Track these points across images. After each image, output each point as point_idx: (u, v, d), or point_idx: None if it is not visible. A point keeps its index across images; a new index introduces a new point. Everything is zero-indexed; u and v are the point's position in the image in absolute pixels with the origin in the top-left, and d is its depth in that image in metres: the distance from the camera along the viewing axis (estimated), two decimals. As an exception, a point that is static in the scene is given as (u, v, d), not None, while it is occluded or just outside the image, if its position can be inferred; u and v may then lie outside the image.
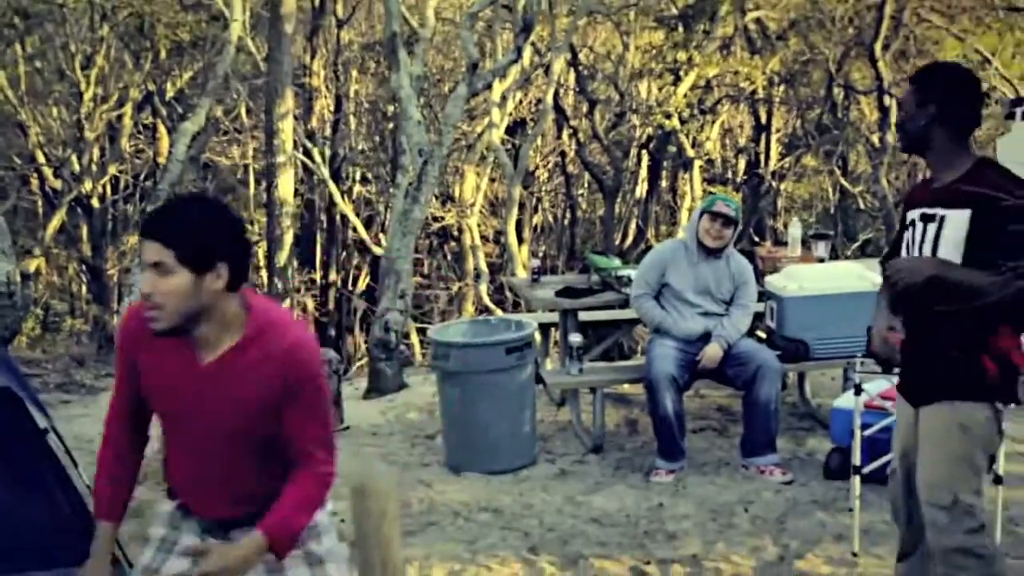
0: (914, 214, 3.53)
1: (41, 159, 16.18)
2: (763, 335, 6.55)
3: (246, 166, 18.80)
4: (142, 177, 17.65)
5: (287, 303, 14.95)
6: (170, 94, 17.10)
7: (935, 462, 3.44)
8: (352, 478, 2.05)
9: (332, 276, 17.56)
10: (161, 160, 16.93)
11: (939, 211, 3.40)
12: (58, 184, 16.18)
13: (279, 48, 15.06)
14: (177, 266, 2.50)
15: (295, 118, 15.86)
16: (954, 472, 3.40)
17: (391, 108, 17.24)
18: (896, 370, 3.77)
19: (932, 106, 3.40)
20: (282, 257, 14.96)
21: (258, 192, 18.47)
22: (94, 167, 16.32)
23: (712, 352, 5.95)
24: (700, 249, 6.06)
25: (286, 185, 15.19)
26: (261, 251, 17.73)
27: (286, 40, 15.13)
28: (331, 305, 17.47)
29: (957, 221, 3.34)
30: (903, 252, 3.57)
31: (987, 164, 3.45)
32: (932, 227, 3.41)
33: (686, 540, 5.06)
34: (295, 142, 15.51)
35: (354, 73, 18.74)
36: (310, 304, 16.32)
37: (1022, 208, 3.26)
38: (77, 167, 16.10)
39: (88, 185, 16.12)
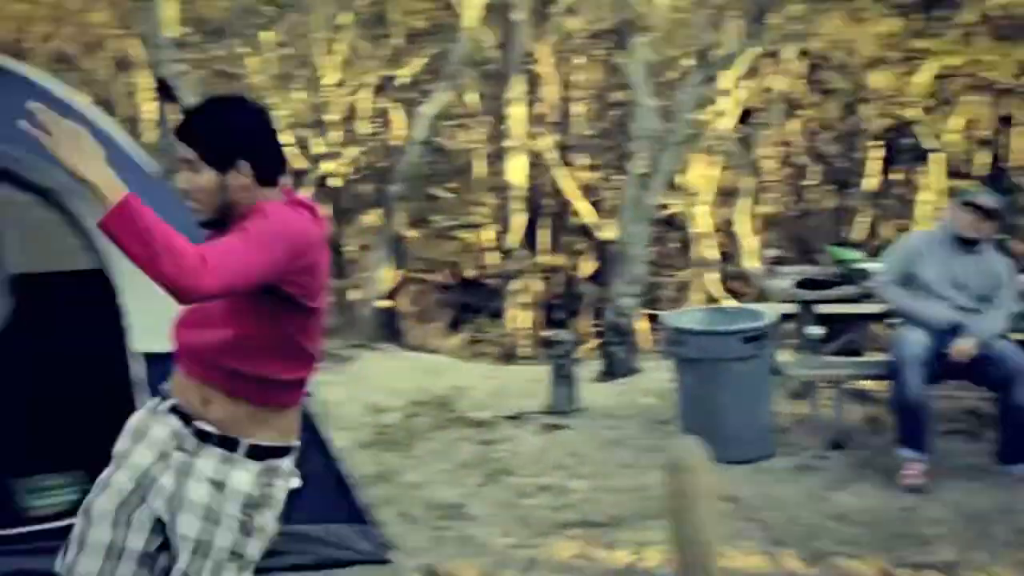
0: None
1: (289, 139, 16.86)
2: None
3: (474, 150, 19.12)
4: (379, 159, 18.14)
5: (517, 284, 15.20)
6: (404, 79, 17.51)
7: None
8: (666, 454, 2.05)
9: (559, 260, 17.73)
10: (396, 143, 17.42)
11: None
12: (303, 164, 16.87)
13: (510, 35, 15.29)
14: (202, 165, 2.73)
15: (525, 104, 16.07)
16: None
17: (617, 95, 17.21)
18: None
19: None
20: (512, 239, 15.19)
21: (487, 175, 18.77)
22: (334, 149, 16.92)
23: (964, 345, 5.65)
24: (956, 242, 5.81)
25: (516, 169, 15.41)
26: (490, 233, 18.05)
27: (517, 27, 15.34)
28: (558, 289, 17.63)
29: None
30: None
31: None
32: None
33: (939, 546, 4.87)
34: (525, 127, 15.73)
35: (580, 60, 18.81)
36: (536, 286, 16.51)
37: None
38: (319, 148, 16.72)
39: (330, 165, 16.74)
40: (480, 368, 9.07)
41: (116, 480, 2.95)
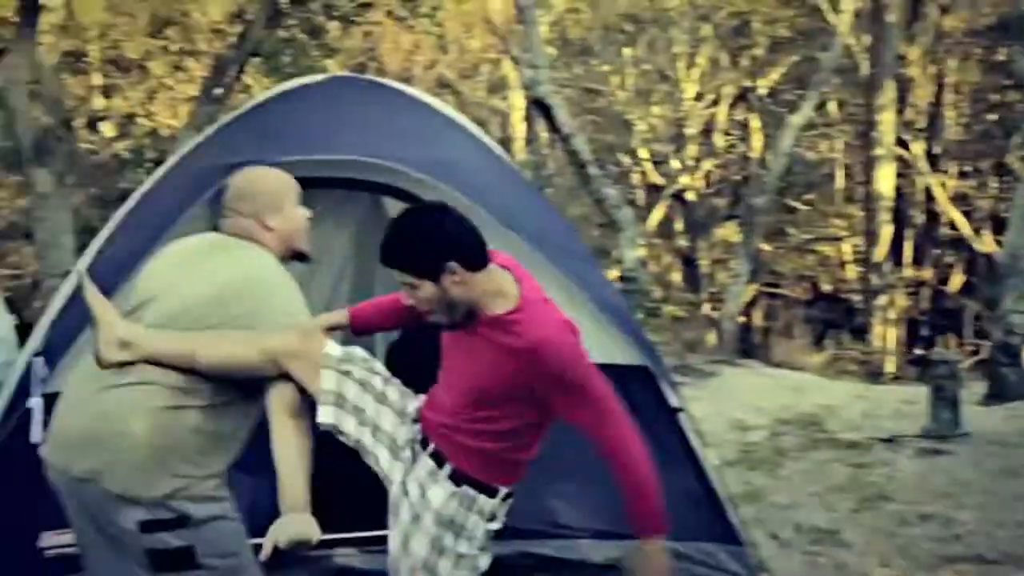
0: None
1: (644, 154, 17.04)
2: None
3: (834, 160, 18.56)
4: (733, 172, 18.00)
5: (883, 299, 14.57)
6: (764, 90, 17.26)
7: None
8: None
9: (925, 273, 16.83)
10: (752, 155, 17.20)
11: None
12: (658, 178, 16.98)
13: (882, 38, 14.70)
14: (417, 280, 2.86)
15: (895, 111, 15.39)
16: None
17: (996, 96, 16.17)
18: None
19: None
20: (879, 253, 14.58)
21: (849, 186, 18.14)
22: (691, 162, 16.91)
23: None
24: None
25: (885, 178, 14.80)
26: (851, 246, 17.39)
27: (889, 30, 14.73)
28: (925, 303, 16.75)
29: None
30: None
31: None
32: None
33: None
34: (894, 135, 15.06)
35: (954, 62, 17.79)
36: (902, 301, 15.76)
37: None
38: (676, 163, 16.77)
39: (685, 179, 16.75)
40: (847, 387, 8.72)
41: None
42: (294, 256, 3.50)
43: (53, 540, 4.36)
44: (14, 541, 4.31)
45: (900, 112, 16.32)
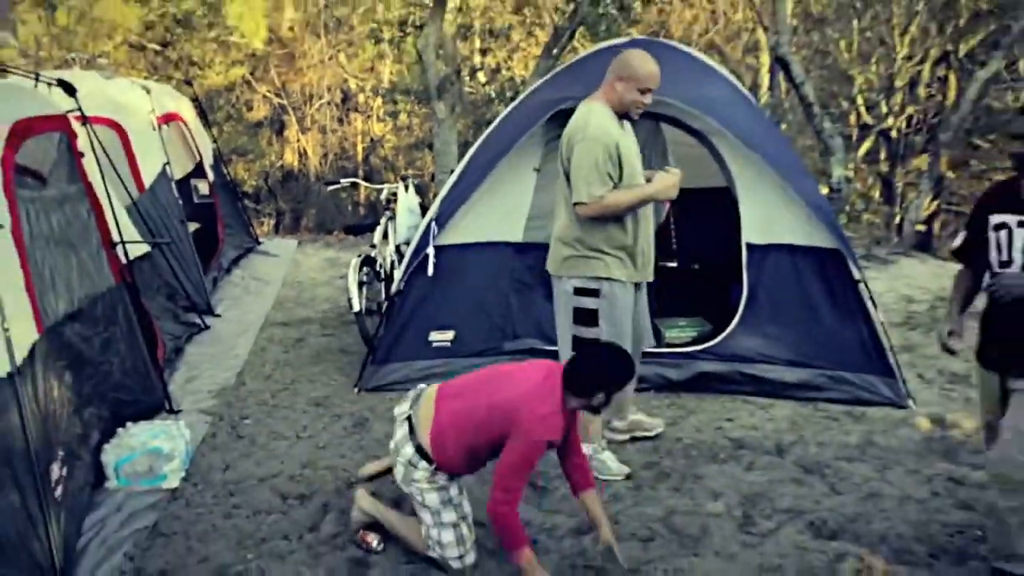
0: (1008, 219, 2.82)
1: (860, 101, 15.87)
2: None
3: (1018, 109, 16.50)
4: (930, 115, 16.42)
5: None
6: (963, 52, 15.51)
7: None
8: None
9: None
10: (948, 103, 15.61)
11: None
12: (869, 119, 15.77)
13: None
14: None
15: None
16: None
17: None
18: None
19: None
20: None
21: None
22: (896, 108, 15.58)
23: None
24: None
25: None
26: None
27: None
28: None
29: None
30: (993, 254, 2.87)
31: None
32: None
33: None
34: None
35: None
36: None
37: None
38: (884, 108, 15.51)
39: (890, 121, 15.47)
40: (997, 278, 8.01)
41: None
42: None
43: (436, 336, 4.95)
44: (415, 335, 4.92)
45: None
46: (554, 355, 4.94)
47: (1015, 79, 16.08)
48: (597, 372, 2.91)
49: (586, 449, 3.89)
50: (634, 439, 4.30)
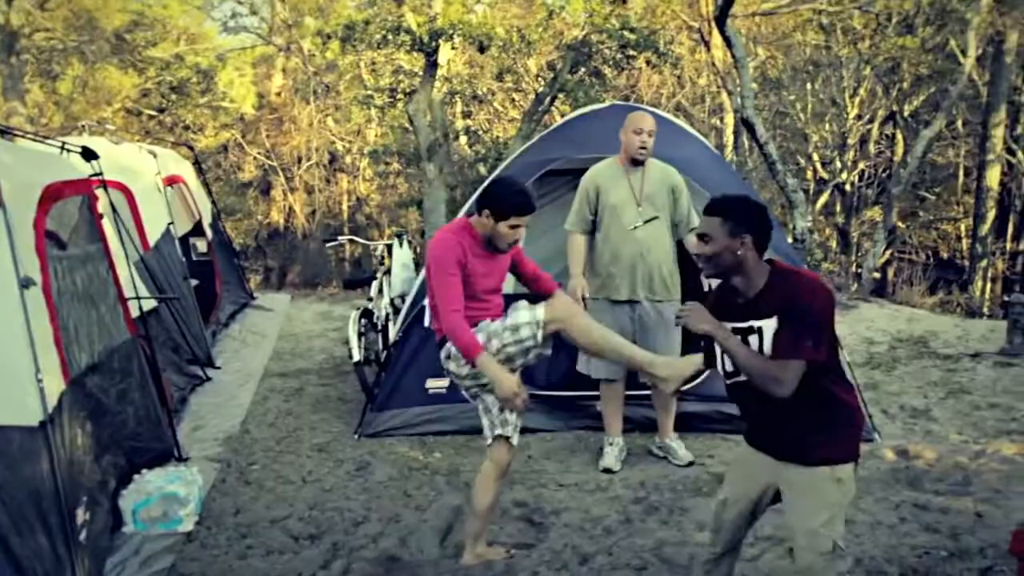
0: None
1: (816, 158, 16.34)
2: None
3: (957, 163, 17.09)
4: (880, 170, 16.93)
5: (983, 262, 13.49)
6: (907, 112, 16.09)
7: (812, 512, 2.52)
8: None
9: (1022, 246, 15.36)
10: (895, 159, 16.13)
11: (753, 322, 2.50)
12: (825, 175, 16.22)
13: (1000, 74, 13.42)
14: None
15: (1004, 127, 14.03)
16: (832, 520, 2.52)
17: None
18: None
19: (746, 236, 2.50)
20: (984, 229, 13.46)
21: (966, 182, 16.70)
22: (849, 163, 16.04)
23: None
24: None
25: (993, 176, 13.61)
26: (964, 224, 16.11)
27: (1006, 68, 13.42)
28: (1018, 268, 15.30)
29: (771, 327, 2.47)
30: (719, 362, 2.64)
31: (781, 272, 2.54)
32: (754, 338, 2.49)
33: None
34: (1003, 145, 13.73)
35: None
36: (1000, 265, 14.48)
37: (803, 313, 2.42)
38: (838, 164, 15.97)
39: (844, 176, 15.93)
40: (949, 319, 8.27)
41: None
42: None
43: (433, 384, 5.02)
44: (412, 382, 4.98)
45: (1012, 128, 14.86)
46: (548, 400, 5.03)
47: (955, 136, 16.69)
48: (486, 192, 3.19)
49: (656, 440, 4.60)
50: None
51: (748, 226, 2.49)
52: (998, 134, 13.70)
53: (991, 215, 13.68)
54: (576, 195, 4.49)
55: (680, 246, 4.52)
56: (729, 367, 2.59)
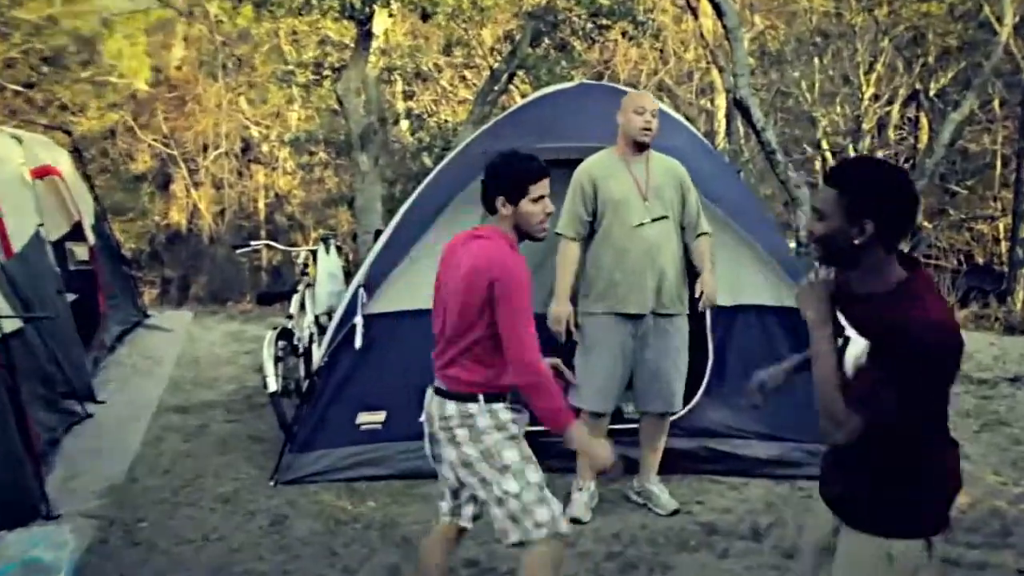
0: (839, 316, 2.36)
1: (826, 146, 16.65)
2: None
3: (995, 151, 17.53)
4: (901, 160, 17.30)
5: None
6: (933, 91, 16.49)
7: None
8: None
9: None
10: (920, 146, 16.52)
11: (848, 328, 2.30)
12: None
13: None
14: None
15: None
16: None
17: None
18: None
19: (868, 223, 2.21)
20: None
21: (1004, 173, 17.15)
22: (865, 152, 16.38)
23: None
24: None
25: (1035, 168, 13.99)
26: (1002, 224, 16.51)
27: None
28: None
29: (862, 346, 2.25)
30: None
31: (909, 285, 2.26)
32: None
33: None
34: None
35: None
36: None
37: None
38: (852, 153, 16.28)
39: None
40: (984, 336, 8.47)
41: None
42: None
43: (365, 418, 5.01)
44: (340, 417, 4.98)
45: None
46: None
47: (991, 120, 17.15)
48: (491, 177, 3.08)
49: (634, 483, 4.64)
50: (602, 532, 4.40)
51: (873, 209, 2.19)
52: (1038, 117, 14.09)
53: (1031, 213, 14.04)
54: (568, 192, 4.46)
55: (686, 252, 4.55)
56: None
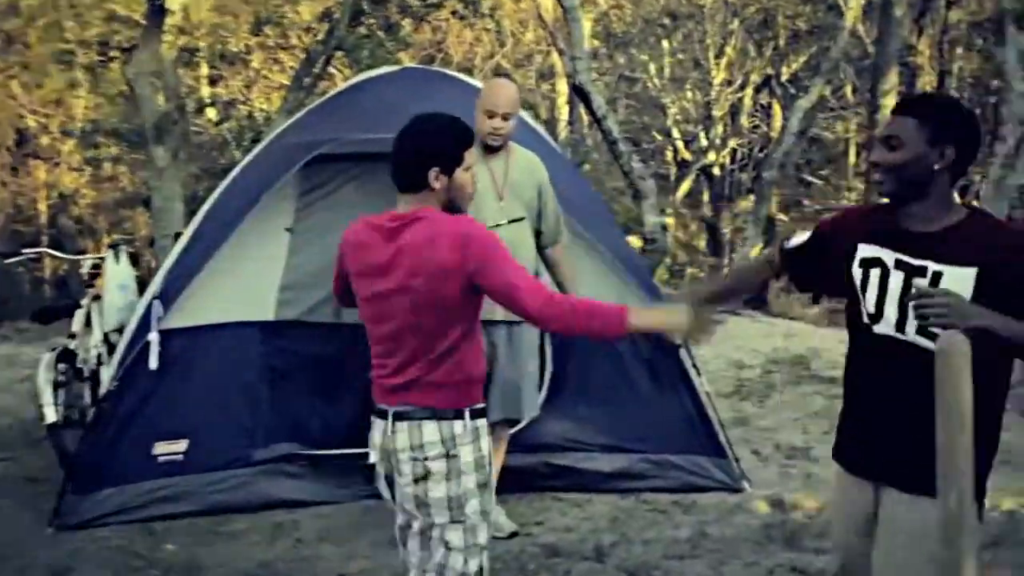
0: (882, 254, 2.52)
1: (676, 134, 17.31)
2: None
3: (847, 139, 18.67)
4: (756, 149, 18.20)
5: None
6: (785, 77, 17.42)
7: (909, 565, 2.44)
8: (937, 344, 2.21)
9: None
10: (774, 135, 17.43)
11: (930, 264, 2.42)
12: (688, 155, 17.22)
13: (888, 31, 14.73)
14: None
15: (898, 94, 15.47)
16: None
17: (995, 82, 16.19)
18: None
19: (948, 148, 2.45)
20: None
21: (857, 162, 18.29)
22: (718, 141, 17.13)
23: None
24: None
25: (884, 156, 14.96)
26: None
27: (895, 23, 14.77)
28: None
29: (960, 280, 2.37)
30: (865, 296, 2.53)
31: (983, 215, 2.55)
32: (921, 282, 2.41)
33: None
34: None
35: (959, 50, 17.79)
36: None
37: None
38: (704, 142, 17.01)
39: (712, 156, 16.98)
40: (833, 333, 9.00)
41: None
42: None
43: (163, 448, 4.91)
44: (133, 448, 4.85)
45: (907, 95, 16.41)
46: (323, 462, 5.03)
47: (843, 107, 18.25)
48: (426, 145, 2.90)
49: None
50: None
51: (953, 135, 2.44)
52: (889, 103, 15.01)
53: (884, 203, 15.00)
54: None
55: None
56: (873, 309, 2.50)
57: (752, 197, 17.08)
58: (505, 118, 4.38)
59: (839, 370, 7.30)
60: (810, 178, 18.49)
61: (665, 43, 17.21)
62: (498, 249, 2.79)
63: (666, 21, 17.19)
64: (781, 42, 17.22)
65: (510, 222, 4.41)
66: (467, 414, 2.84)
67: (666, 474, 5.16)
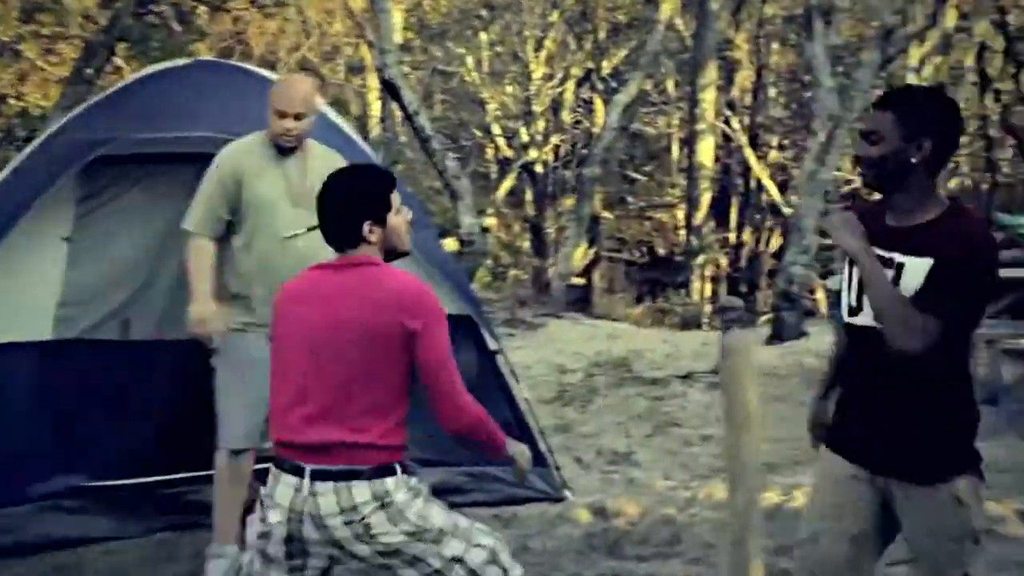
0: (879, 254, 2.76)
1: (496, 130, 17.50)
2: None
3: (670, 135, 19.28)
4: (579, 146, 18.59)
5: (701, 259, 15.36)
6: (606, 71, 17.85)
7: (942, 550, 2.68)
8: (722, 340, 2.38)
9: (745, 236, 17.73)
10: (596, 131, 17.87)
11: (896, 256, 2.63)
12: (509, 152, 17.44)
13: (705, 24, 15.37)
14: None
15: (717, 89, 16.11)
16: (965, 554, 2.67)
17: (807, 78, 17.10)
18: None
19: (926, 141, 2.63)
20: (699, 217, 15.29)
21: (680, 158, 18.94)
22: (539, 138, 17.40)
23: None
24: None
25: (706, 151, 15.53)
26: (680, 212, 18.23)
27: (711, 17, 15.41)
28: (742, 263, 17.62)
29: (917, 269, 2.59)
30: (849, 289, 2.77)
31: (961, 211, 2.72)
32: (888, 274, 2.64)
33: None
34: (716, 111, 15.76)
35: (775, 45, 18.70)
36: (723, 261, 16.60)
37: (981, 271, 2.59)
38: (525, 138, 17.24)
39: (534, 153, 17.25)
40: (656, 333, 9.35)
41: None
42: None
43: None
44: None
45: (727, 91, 17.10)
46: (112, 493, 4.84)
47: (665, 102, 18.87)
48: (356, 199, 2.94)
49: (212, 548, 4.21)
50: None
51: (930, 129, 2.61)
52: (708, 98, 15.66)
53: (706, 199, 15.57)
54: (204, 181, 4.23)
55: None
56: (854, 302, 2.72)
57: (575, 195, 17.51)
58: (298, 118, 4.26)
59: (662, 371, 7.68)
60: (634, 175, 19.01)
61: (483, 35, 17.36)
62: (442, 322, 2.82)
63: (483, 12, 17.34)
64: (601, 35, 17.65)
65: (308, 230, 4.28)
66: (398, 469, 2.76)
67: (486, 487, 5.19)
